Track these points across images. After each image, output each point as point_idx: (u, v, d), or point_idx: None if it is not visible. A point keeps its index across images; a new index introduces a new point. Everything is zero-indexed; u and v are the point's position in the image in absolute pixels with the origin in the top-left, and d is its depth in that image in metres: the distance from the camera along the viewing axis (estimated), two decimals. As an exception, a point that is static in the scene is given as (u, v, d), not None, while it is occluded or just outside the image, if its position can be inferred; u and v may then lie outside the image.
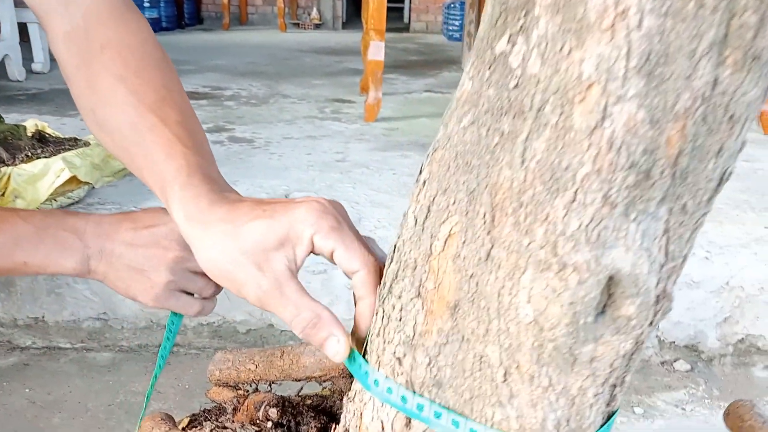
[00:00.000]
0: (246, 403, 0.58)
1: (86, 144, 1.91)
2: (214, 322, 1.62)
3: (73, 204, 1.74)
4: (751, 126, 0.32)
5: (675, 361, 1.64)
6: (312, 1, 7.35)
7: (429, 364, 0.35)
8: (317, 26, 7.21)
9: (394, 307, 0.37)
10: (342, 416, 0.42)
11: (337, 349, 0.40)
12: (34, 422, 1.34)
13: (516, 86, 0.31)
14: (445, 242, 0.34)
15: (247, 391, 0.63)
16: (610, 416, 0.36)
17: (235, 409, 0.59)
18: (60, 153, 1.77)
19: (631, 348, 0.33)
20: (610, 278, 0.31)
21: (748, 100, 0.29)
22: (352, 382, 0.58)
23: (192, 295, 0.52)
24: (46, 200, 1.66)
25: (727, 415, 0.57)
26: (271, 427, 0.53)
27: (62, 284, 1.57)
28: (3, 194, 1.63)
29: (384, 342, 0.38)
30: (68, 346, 1.61)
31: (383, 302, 0.38)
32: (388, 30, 2.84)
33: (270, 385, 0.64)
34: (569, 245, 0.30)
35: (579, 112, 0.29)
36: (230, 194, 0.44)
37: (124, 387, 1.46)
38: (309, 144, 2.50)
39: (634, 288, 0.31)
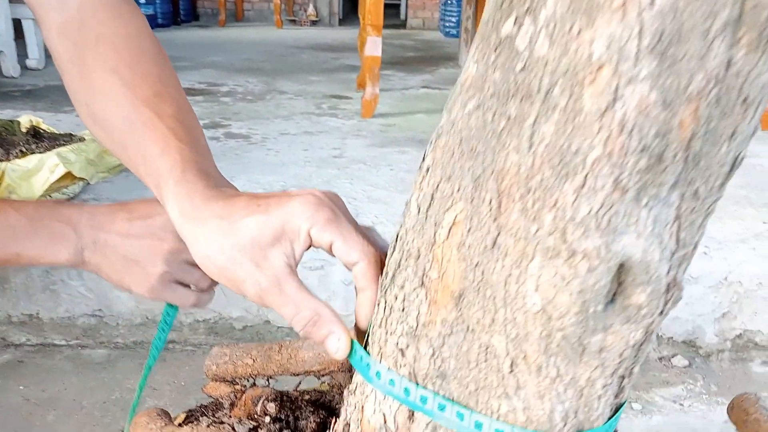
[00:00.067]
0: (243, 398, 0.57)
1: (81, 139, 1.89)
2: (210, 319, 1.61)
3: (67, 200, 1.73)
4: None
5: (673, 356, 1.64)
6: (308, -3, 7.33)
7: (433, 355, 0.34)
8: (314, 23, 7.19)
9: (396, 298, 0.36)
10: (342, 410, 0.42)
11: (338, 347, 0.40)
12: (28, 420, 1.33)
13: (523, 69, 0.30)
14: (450, 230, 0.33)
15: (245, 386, 0.63)
16: (617, 408, 0.35)
17: (232, 404, 0.58)
18: (55, 149, 1.75)
19: (641, 338, 0.32)
20: (621, 266, 0.30)
21: (763, 82, 0.28)
22: (351, 377, 0.57)
23: (188, 286, 0.51)
24: (41, 196, 1.65)
25: (731, 409, 0.56)
26: (270, 422, 0.52)
27: (57, 281, 1.55)
28: (-3, 190, 1.62)
29: (386, 333, 0.37)
30: (63, 342, 1.59)
31: (385, 293, 0.37)
32: (385, 27, 2.83)
33: (268, 380, 0.63)
34: (579, 232, 0.29)
35: (589, 94, 0.28)
36: (226, 189, 0.43)
37: (119, 384, 1.45)
38: (306, 140, 2.49)
39: (645, 275, 0.30)
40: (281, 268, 0.39)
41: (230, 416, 0.57)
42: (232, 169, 2.03)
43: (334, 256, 0.41)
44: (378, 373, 0.37)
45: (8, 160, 1.67)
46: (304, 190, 0.41)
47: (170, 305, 0.54)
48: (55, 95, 3.04)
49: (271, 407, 0.52)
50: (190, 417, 0.60)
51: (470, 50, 0.34)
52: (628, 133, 0.28)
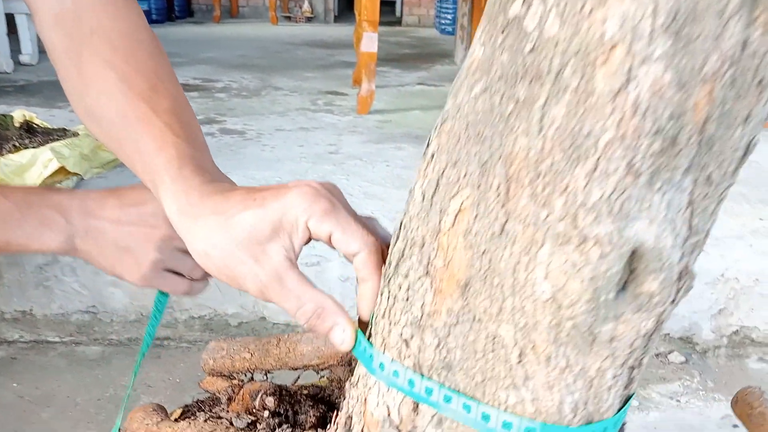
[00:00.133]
0: (241, 393, 0.56)
1: (75, 134, 1.88)
2: (205, 315, 1.60)
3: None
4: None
5: (669, 353, 1.64)
6: (303, -6, 7.31)
7: (438, 345, 0.33)
8: (309, 19, 7.17)
9: (400, 287, 0.35)
10: (344, 403, 0.41)
11: (344, 338, 0.39)
12: (22, 417, 1.32)
13: (532, 50, 0.29)
14: (456, 217, 0.32)
15: (242, 380, 0.62)
16: (626, 400, 0.34)
17: (229, 399, 0.57)
18: (48, 143, 1.74)
19: (653, 327, 0.31)
20: (633, 252, 0.29)
21: (779, 63, 0.28)
22: (351, 371, 0.56)
23: (182, 275, 0.50)
24: (34, 191, 1.63)
25: (736, 403, 0.56)
26: (268, 417, 0.51)
27: (50, 276, 1.54)
28: (-11, 185, 1.60)
29: (390, 323, 0.36)
30: (57, 339, 1.58)
31: (389, 282, 0.37)
32: (380, 24, 2.82)
33: (266, 374, 0.62)
34: (590, 217, 0.28)
35: (601, 74, 0.27)
36: (223, 184, 0.42)
37: (114, 381, 1.44)
38: (302, 136, 2.48)
39: (658, 262, 0.29)
40: (281, 262, 0.39)
41: (228, 411, 0.56)
42: (227, 165, 2.01)
43: (333, 248, 0.40)
44: (381, 365, 0.36)
45: (1, 155, 1.65)
46: (301, 181, 0.40)
47: (162, 292, 0.53)
48: (48, 91, 3.02)
49: (270, 401, 0.51)
50: (187, 412, 0.60)
51: (476, 32, 0.34)
52: (641, 115, 0.27)
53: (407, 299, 0.35)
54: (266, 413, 0.52)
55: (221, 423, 0.52)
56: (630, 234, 0.28)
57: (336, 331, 0.39)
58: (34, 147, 1.71)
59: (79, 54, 0.48)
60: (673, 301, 0.31)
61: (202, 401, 0.61)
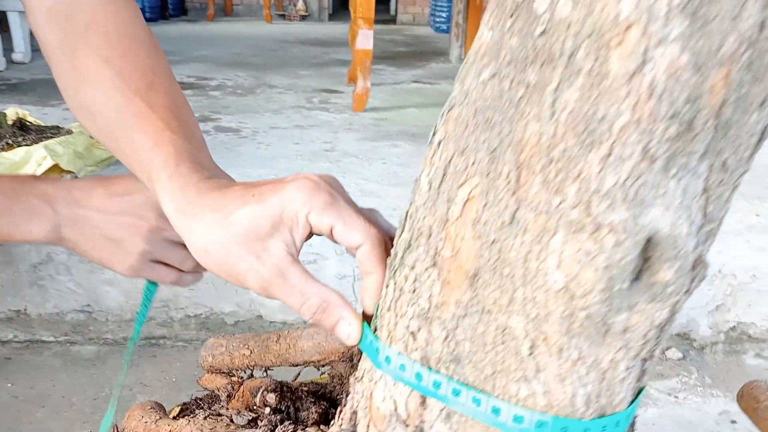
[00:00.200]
0: (241, 390, 0.55)
1: (69, 132, 1.86)
2: (201, 314, 1.59)
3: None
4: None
5: (667, 349, 1.64)
6: (298, -8, 7.28)
7: (446, 338, 0.32)
8: (303, 18, 7.15)
9: (406, 279, 0.34)
10: (349, 398, 0.40)
11: (349, 332, 0.39)
12: (17, 417, 1.30)
13: (543, 33, 0.28)
14: (464, 206, 0.31)
15: (242, 377, 0.61)
16: (638, 393, 0.34)
17: (229, 396, 0.56)
18: (42, 141, 1.72)
19: (666, 317, 0.30)
20: (647, 240, 0.28)
21: (797, 45, 0.27)
22: (353, 366, 0.55)
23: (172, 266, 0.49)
24: (28, 189, 1.61)
25: (741, 397, 0.55)
26: (270, 413, 0.50)
27: (45, 276, 1.53)
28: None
29: (396, 316, 0.35)
30: (51, 339, 1.57)
31: (394, 274, 0.36)
32: (375, 22, 2.81)
33: (266, 371, 0.61)
34: (604, 204, 0.27)
35: (616, 56, 0.26)
36: (221, 180, 0.41)
37: (109, 380, 1.43)
38: (297, 134, 2.47)
39: (673, 250, 0.28)
40: (282, 258, 0.38)
41: (227, 408, 0.55)
42: (222, 163, 1.97)
43: (335, 241, 0.39)
44: (388, 358, 0.35)
45: (-6, 152, 1.63)
46: (299, 175, 0.39)
47: (151, 282, 0.52)
48: (41, 89, 2.99)
49: (271, 398, 0.50)
50: (185, 410, 0.59)
51: (483, 17, 0.33)
52: (657, 98, 0.26)
53: (414, 291, 0.34)
54: (267, 410, 0.51)
55: (221, 420, 0.51)
56: (645, 221, 0.27)
57: (342, 325, 0.39)
58: (27, 144, 1.69)
59: (74, 49, 0.47)
60: (687, 290, 0.30)
61: (201, 399, 0.60)
